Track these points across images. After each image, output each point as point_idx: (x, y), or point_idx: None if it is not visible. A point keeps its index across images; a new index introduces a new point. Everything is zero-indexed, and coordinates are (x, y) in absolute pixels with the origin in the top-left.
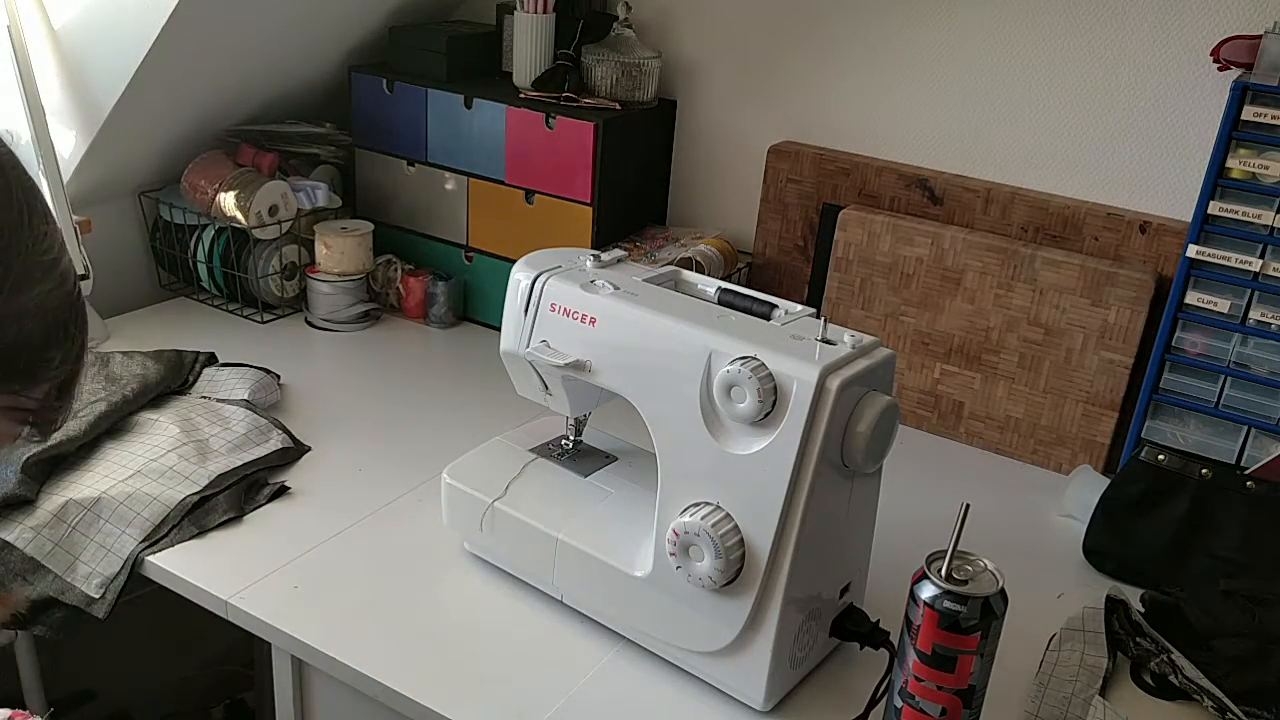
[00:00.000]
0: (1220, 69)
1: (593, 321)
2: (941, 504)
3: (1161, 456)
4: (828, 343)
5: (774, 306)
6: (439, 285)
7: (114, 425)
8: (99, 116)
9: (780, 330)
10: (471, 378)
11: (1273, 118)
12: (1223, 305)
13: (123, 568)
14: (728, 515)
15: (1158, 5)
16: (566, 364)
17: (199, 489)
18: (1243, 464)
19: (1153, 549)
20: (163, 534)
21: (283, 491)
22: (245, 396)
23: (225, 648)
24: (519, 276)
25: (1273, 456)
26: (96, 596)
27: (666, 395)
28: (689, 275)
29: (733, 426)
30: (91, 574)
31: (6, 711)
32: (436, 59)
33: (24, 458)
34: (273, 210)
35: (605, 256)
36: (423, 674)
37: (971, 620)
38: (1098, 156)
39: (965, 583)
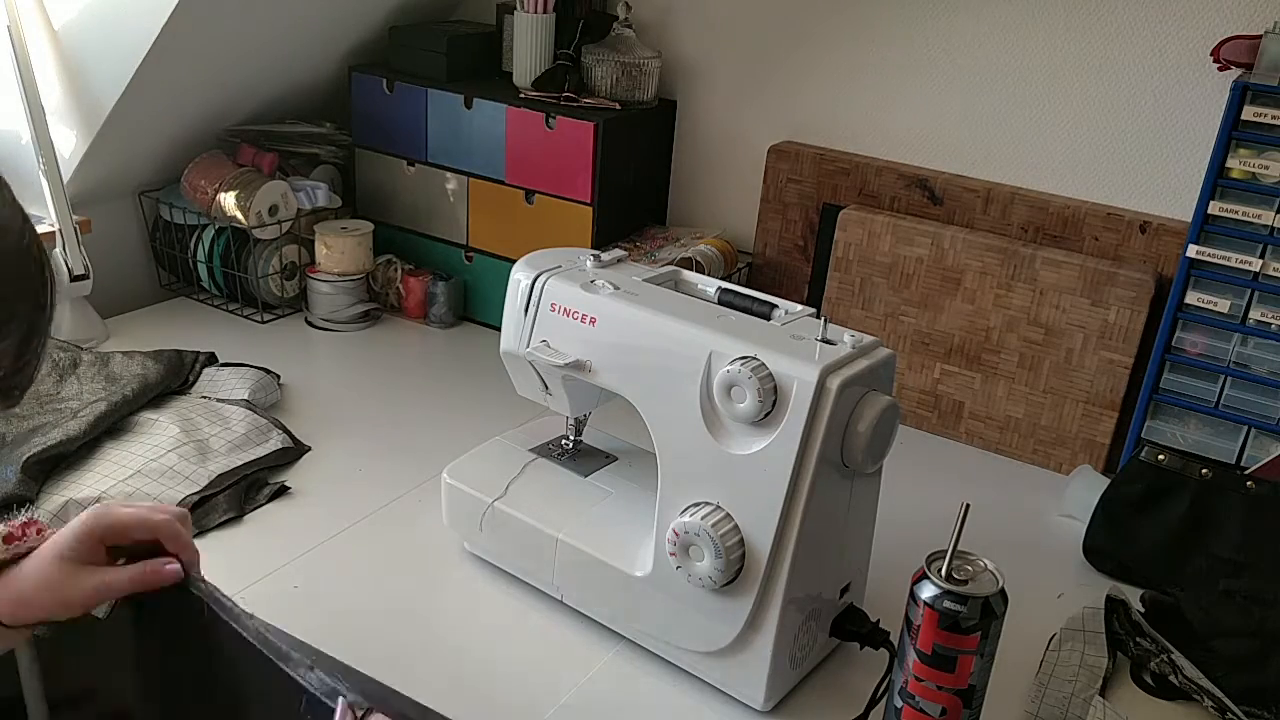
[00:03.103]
0: (1220, 69)
1: (593, 321)
2: (941, 504)
3: (1161, 456)
4: (828, 343)
5: (774, 306)
6: (439, 285)
7: (114, 425)
8: (99, 116)
9: (780, 330)
10: (471, 378)
11: (1273, 118)
12: (1223, 305)
13: None
14: (728, 515)
15: (1158, 6)
16: (566, 364)
17: (199, 489)
18: (1243, 464)
19: (1153, 549)
20: None
21: (283, 491)
22: (245, 396)
23: None
24: (519, 276)
25: (1273, 456)
26: None
27: (666, 395)
28: (689, 275)
29: (733, 426)
30: None
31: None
32: (436, 59)
33: (24, 458)
34: (273, 210)
35: (605, 256)
36: (422, 674)
37: (971, 620)
38: (1098, 156)
39: (965, 583)
